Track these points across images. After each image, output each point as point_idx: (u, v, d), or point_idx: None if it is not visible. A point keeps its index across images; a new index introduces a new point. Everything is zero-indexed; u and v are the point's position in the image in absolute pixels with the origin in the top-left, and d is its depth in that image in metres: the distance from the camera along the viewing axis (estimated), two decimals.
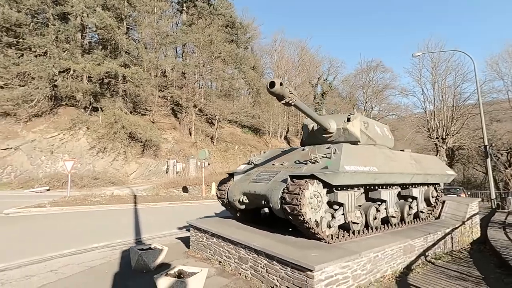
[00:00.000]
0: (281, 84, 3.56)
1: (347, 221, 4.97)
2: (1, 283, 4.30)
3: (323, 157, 4.87)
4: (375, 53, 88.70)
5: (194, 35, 31.35)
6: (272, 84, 3.52)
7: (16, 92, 21.66)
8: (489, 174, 20.07)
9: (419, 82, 34.00)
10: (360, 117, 5.94)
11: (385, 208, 5.80)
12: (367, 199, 5.88)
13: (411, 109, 39.92)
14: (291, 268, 3.72)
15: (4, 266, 5.03)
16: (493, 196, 20.01)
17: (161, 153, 27.53)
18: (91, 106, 25.62)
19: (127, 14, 26.86)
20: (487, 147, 20.10)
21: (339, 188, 4.84)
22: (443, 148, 30.97)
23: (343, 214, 4.91)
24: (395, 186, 6.17)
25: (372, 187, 5.70)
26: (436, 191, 7.59)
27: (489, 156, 19.79)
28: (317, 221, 4.40)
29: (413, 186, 6.68)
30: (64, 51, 24.10)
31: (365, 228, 5.47)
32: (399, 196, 6.65)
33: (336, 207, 4.94)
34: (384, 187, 5.82)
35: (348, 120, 5.76)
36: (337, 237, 4.80)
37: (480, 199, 20.77)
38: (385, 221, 6.01)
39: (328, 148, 5.03)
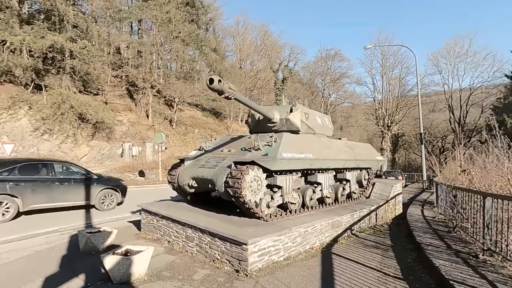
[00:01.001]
0: (219, 81, 3.91)
1: (285, 202, 5.62)
2: None
3: (265, 145, 5.39)
4: (334, 42, 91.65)
5: (151, 11, 29.64)
6: (211, 80, 3.86)
7: None
8: (422, 159, 22.73)
9: (370, 73, 36.48)
10: (301, 108, 6.54)
11: (321, 190, 6.59)
12: (306, 182, 6.62)
13: (363, 98, 42.71)
14: (229, 243, 4.24)
15: None
16: (424, 178, 22.79)
17: (116, 136, 26.31)
18: (33, 84, 23.31)
19: None
20: (422, 134, 22.69)
21: (278, 173, 5.43)
22: (388, 135, 33.98)
23: (281, 195, 5.54)
24: (331, 171, 6.99)
25: (310, 172, 6.42)
26: (368, 175, 8.68)
27: (423, 142, 22.41)
28: (256, 202, 4.96)
29: (347, 170, 7.59)
30: None
31: (302, 208, 6.21)
32: (335, 179, 7.54)
33: (275, 189, 5.54)
34: (320, 171, 6.58)
35: (291, 111, 6.33)
36: (275, 216, 5.44)
37: (404, 181, 23.36)
38: (321, 201, 6.84)
39: (270, 136, 5.55)
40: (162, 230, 5.70)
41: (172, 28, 30.63)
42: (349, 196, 7.93)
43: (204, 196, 6.76)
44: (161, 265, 4.39)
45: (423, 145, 22.41)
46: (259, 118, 6.64)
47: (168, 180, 6.43)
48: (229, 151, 5.95)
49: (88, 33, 25.49)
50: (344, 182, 7.65)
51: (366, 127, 54.86)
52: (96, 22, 27.17)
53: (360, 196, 8.39)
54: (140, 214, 6.60)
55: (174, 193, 9.39)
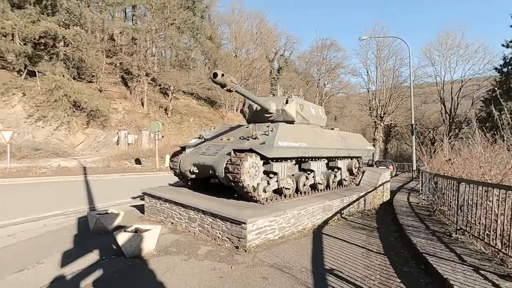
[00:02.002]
0: (222, 75, 4.25)
1: (280, 187, 6.06)
2: None
3: (262, 134, 5.78)
4: (330, 32, 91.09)
5: None
6: (215, 74, 4.19)
7: None
8: (412, 149, 23.41)
9: (365, 63, 36.73)
10: (296, 100, 6.91)
11: (313, 177, 7.05)
12: (300, 169, 7.06)
13: (358, 89, 43.10)
14: (230, 222, 4.67)
15: None
16: (414, 168, 23.58)
17: (111, 124, 26.35)
18: (26, 70, 23.07)
19: None
20: (413, 125, 23.36)
21: (274, 160, 5.84)
22: (381, 125, 34.63)
23: (277, 181, 5.97)
24: (323, 159, 7.43)
25: (303, 159, 6.86)
26: (359, 163, 9.18)
27: (414, 133, 23.11)
28: (254, 187, 5.38)
29: (339, 158, 8.06)
30: None
31: (296, 193, 6.67)
32: (327, 166, 8.01)
33: (271, 175, 5.97)
34: (313, 159, 7.02)
35: (287, 102, 6.70)
36: (271, 200, 5.89)
37: (394, 170, 24.09)
38: (314, 187, 7.30)
39: (267, 126, 5.93)
40: (165, 213, 6.11)
41: (167, 15, 30.26)
42: (340, 183, 8.43)
43: (204, 182, 7.16)
44: (167, 242, 4.81)
45: (413, 136, 23.08)
46: (256, 108, 6.98)
47: (170, 166, 6.79)
48: (228, 139, 6.32)
49: (81, 19, 25.09)
50: (336, 170, 8.13)
51: (360, 118, 55.50)
52: (89, 6, 26.67)
53: (351, 183, 8.90)
54: (140, 199, 6.99)
55: (172, 180, 9.82)
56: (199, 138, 7.01)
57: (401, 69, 36.05)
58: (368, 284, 3.41)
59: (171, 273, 3.63)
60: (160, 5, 29.63)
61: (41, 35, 22.62)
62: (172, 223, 5.90)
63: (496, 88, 29.08)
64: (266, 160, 5.66)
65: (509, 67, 27.69)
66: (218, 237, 4.89)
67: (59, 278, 3.50)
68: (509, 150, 5.80)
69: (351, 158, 8.75)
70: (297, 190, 6.72)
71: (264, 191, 5.77)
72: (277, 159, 5.91)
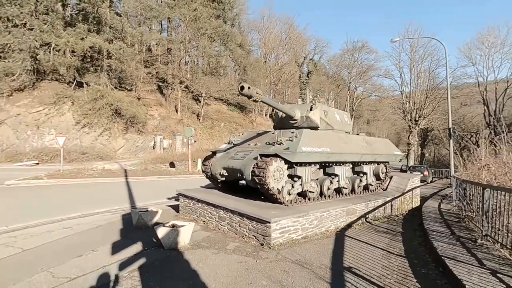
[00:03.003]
0: (249, 88, 4.71)
1: (304, 190, 6.36)
2: (29, 235, 5.46)
3: (287, 140, 6.14)
4: (361, 33, 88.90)
5: (180, 9, 30.96)
6: (242, 88, 4.67)
7: None
8: (450, 154, 22.20)
9: (397, 65, 35.46)
10: (320, 106, 7.19)
11: (338, 181, 7.24)
12: (324, 173, 7.29)
13: (391, 91, 41.58)
14: (256, 222, 5.08)
15: (24, 226, 6.15)
16: (452, 174, 22.32)
17: (148, 129, 28.18)
18: (75, 81, 25.57)
19: None
20: (450, 129, 22.22)
21: (298, 164, 6.16)
22: (415, 129, 33.14)
23: (301, 184, 6.28)
24: (348, 163, 7.59)
25: (328, 164, 7.09)
26: (386, 168, 9.14)
27: (451, 137, 21.96)
28: (278, 189, 5.75)
29: (364, 163, 8.14)
30: (45, 23, 23.57)
31: (320, 196, 6.91)
32: (353, 171, 8.13)
33: (296, 179, 6.29)
34: (338, 164, 7.22)
35: (311, 109, 7.00)
36: (295, 202, 6.21)
37: (425, 175, 23.01)
38: (338, 191, 7.48)
39: (292, 132, 6.29)
40: (198, 212, 6.68)
41: (199, 25, 31.77)
42: (366, 187, 8.48)
43: (233, 184, 7.66)
44: (200, 238, 5.34)
45: (451, 140, 21.88)
46: (281, 116, 7.36)
47: (202, 169, 7.39)
48: (255, 145, 6.77)
49: (123, 33, 27.27)
50: (361, 175, 8.22)
51: (394, 121, 53.30)
52: (128, 20, 28.86)
53: (377, 188, 8.90)
54: (175, 200, 7.63)
55: (203, 183, 10.47)
56: (228, 143, 7.54)
57: (438, 70, 34.13)
58: (383, 282, 3.62)
59: (203, 263, 4.11)
60: (193, 17, 31.25)
61: (87, 50, 24.96)
62: (203, 221, 6.45)
63: None
64: (290, 164, 6.00)
65: None
66: (245, 235, 5.31)
67: (110, 263, 4.14)
68: None
69: (378, 163, 8.76)
70: (321, 194, 6.95)
71: (289, 193, 6.10)
72: (301, 164, 6.22)
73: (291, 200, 6.14)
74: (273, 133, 6.89)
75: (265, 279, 3.65)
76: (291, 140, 6.05)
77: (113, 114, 25.35)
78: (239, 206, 5.65)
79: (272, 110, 8.74)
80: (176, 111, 32.38)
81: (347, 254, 4.61)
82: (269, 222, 4.82)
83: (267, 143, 6.50)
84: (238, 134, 8.01)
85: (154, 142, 27.42)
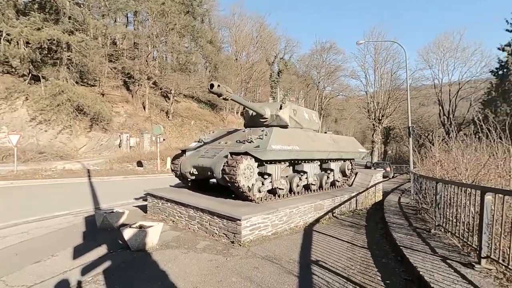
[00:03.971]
0: (218, 85, 4.70)
1: (274, 187, 6.48)
2: None
3: (257, 138, 6.20)
4: (329, 35, 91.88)
5: (146, 3, 29.79)
6: (211, 85, 4.64)
7: None
8: (410, 151, 23.71)
9: (363, 67, 37.19)
10: (290, 105, 7.35)
11: (306, 178, 7.47)
12: (294, 170, 7.48)
13: (357, 91, 43.50)
14: (226, 220, 5.09)
15: None
16: (411, 170, 23.90)
17: (113, 127, 26.84)
18: (30, 75, 23.62)
19: None
20: (410, 128, 23.71)
21: (268, 162, 6.26)
22: (379, 128, 35.03)
23: (271, 182, 6.39)
24: (316, 161, 7.85)
25: (297, 161, 7.28)
26: (351, 165, 9.59)
27: (410, 136, 23.48)
28: (249, 187, 5.80)
29: (331, 160, 8.47)
30: None
31: (290, 193, 7.09)
32: (321, 168, 8.43)
33: (266, 176, 6.39)
34: (306, 161, 7.44)
35: (280, 108, 7.14)
36: (265, 199, 6.31)
37: (387, 171, 24.46)
38: (307, 187, 7.72)
39: (262, 130, 6.37)
40: (167, 212, 6.53)
41: (168, 20, 30.83)
42: (333, 183, 8.84)
43: (203, 183, 7.59)
44: (169, 238, 5.23)
45: (410, 138, 23.39)
46: (252, 114, 7.43)
47: (171, 168, 7.23)
48: (225, 143, 6.76)
49: (85, 25, 25.65)
50: (329, 171, 8.55)
51: (360, 120, 55.78)
52: (90, 13, 27.20)
53: (343, 184, 9.31)
54: (143, 200, 7.41)
55: (173, 182, 10.27)
56: (198, 141, 7.44)
57: (399, 72, 36.38)
58: (347, 272, 3.82)
59: (172, 263, 4.05)
60: (160, 11, 30.22)
61: (44, 41, 23.15)
62: (173, 221, 6.32)
63: (492, 91, 29.53)
64: (260, 162, 6.08)
65: (505, 70, 28.11)
66: (216, 233, 5.30)
67: (72, 268, 3.92)
68: (500, 153, 6.13)
69: (344, 160, 9.16)
70: (290, 191, 7.13)
71: (259, 191, 6.18)
72: (271, 161, 6.33)
73: (261, 198, 6.23)
74: (244, 131, 6.93)
75: (235, 276, 3.69)
76: (261, 138, 6.13)
77: (74, 111, 23.80)
78: (209, 205, 5.62)
79: (243, 108, 8.77)
80: (144, 108, 31.22)
81: (315, 248, 4.79)
82: (239, 220, 4.85)
83: (238, 141, 6.52)
84: (209, 132, 7.96)
85: (120, 141, 26.22)
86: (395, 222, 5.96)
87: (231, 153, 5.74)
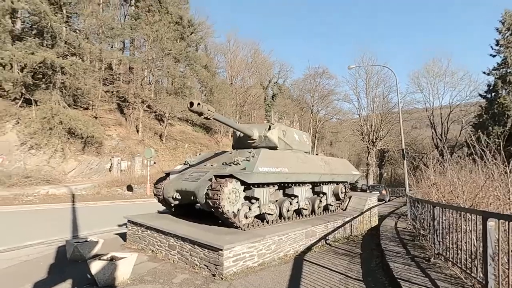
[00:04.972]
0: (198, 104, 4.46)
1: (262, 213, 6.08)
2: None
3: (244, 160, 5.89)
4: (322, 60, 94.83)
5: (142, 30, 30.54)
6: (191, 104, 4.40)
7: None
8: (405, 174, 23.49)
9: (355, 91, 37.88)
10: (279, 126, 7.13)
11: (297, 202, 7.08)
12: (284, 194, 7.10)
13: (350, 114, 43.97)
14: (207, 249, 4.65)
15: None
16: (407, 193, 23.53)
17: (105, 150, 26.34)
18: (22, 98, 23.45)
19: (65, 1, 25.06)
20: (404, 150, 23.66)
21: (256, 185, 5.91)
22: (373, 150, 35.01)
23: (258, 206, 6.00)
24: (307, 184, 7.50)
25: (287, 185, 6.92)
26: (345, 188, 9.24)
27: (404, 158, 23.36)
28: (234, 213, 5.41)
29: (324, 183, 8.13)
30: None
31: (280, 218, 6.66)
32: (313, 191, 8.05)
33: (253, 201, 6.00)
34: (297, 184, 7.09)
35: (269, 129, 6.90)
36: (253, 226, 5.88)
37: (383, 194, 24.11)
38: (299, 212, 7.31)
39: (249, 152, 6.07)
40: (146, 240, 6.04)
41: (163, 46, 31.46)
42: (326, 208, 8.43)
43: (188, 208, 7.15)
44: (144, 271, 4.73)
45: (405, 161, 23.22)
46: (239, 135, 7.17)
47: (153, 192, 6.81)
48: (211, 165, 6.43)
49: (80, 49, 25.96)
50: (321, 195, 8.17)
51: (354, 143, 55.96)
52: (87, 38, 27.64)
53: (337, 208, 8.90)
54: (126, 227, 6.90)
55: (161, 207, 9.75)
56: (184, 164, 7.10)
57: (390, 95, 37.05)
58: None
59: None
60: (157, 37, 30.90)
61: (38, 65, 23.23)
62: (152, 251, 5.82)
63: (483, 113, 29.99)
64: (247, 186, 5.73)
65: (493, 93, 28.74)
66: (196, 265, 4.83)
67: None
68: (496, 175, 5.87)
69: (337, 183, 8.83)
70: (280, 216, 6.72)
71: (246, 216, 5.78)
72: (259, 185, 5.98)
73: (248, 224, 5.81)
74: (231, 153, 6.62)
75: None
76: (248, 160, 5.82)
77: (65, 134, 23.41)
78: (190, 232, 5.18)
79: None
80: (137, 131, 30.94)
81: (305, 281, 4.33)
82: (221, 250, 4.41)
83: (223, 164, 6.20)
84: (196, 154, 7.62)
85: (111, 164, 25.61)
86: (392, 250, 5.54)
87: (215, 176, 5.40)
